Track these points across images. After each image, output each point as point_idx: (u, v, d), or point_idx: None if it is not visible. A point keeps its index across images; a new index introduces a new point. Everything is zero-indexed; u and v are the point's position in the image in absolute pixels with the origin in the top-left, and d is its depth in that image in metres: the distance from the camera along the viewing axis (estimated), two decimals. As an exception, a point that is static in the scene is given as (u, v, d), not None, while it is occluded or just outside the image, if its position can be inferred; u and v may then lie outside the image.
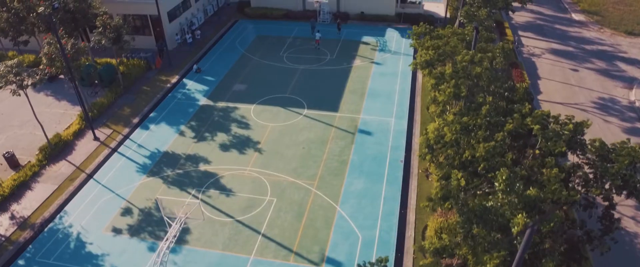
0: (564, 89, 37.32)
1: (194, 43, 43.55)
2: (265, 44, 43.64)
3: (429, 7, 49.39)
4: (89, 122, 31.46)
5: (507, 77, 21.86)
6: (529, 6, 46.61)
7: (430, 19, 46.49)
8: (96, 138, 31.51)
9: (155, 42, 42.31)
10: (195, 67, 39.13)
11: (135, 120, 33.38)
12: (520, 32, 46.52)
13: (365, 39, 44.10)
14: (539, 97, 36.59)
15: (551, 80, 39.02)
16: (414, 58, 38.79)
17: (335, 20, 44.26)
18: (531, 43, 44.76)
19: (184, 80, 38.31)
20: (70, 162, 29.62)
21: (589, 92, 36.34)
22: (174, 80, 38.33)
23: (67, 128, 32.53)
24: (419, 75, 37.63)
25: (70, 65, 29.68)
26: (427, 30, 28.78)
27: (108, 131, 32.43)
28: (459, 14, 35.00)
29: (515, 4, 36.54)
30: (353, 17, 47.84)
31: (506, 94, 20.62)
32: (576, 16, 50.78)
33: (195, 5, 46.97)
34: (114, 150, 30.56)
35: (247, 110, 33.94)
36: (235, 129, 31.97)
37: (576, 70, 40.11)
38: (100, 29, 33.47)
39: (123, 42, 34.40)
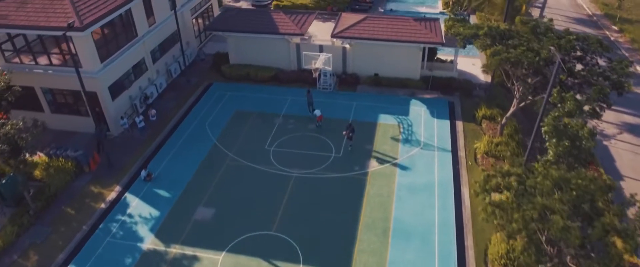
0: (661, 197, 26.21)
1: (146, 128, 31.50)
2: (246, 128, 31.81)
3: (462, 65, 37.63)
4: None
5: None
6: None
7: (467, 85, 35.01)
8: (-30, 325, 20.05)
9: (95, 125, 30.46)
10: (143, 173, 27.37)
11: (41, 283, 21.85)
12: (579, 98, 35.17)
13: (382, 118, 32.22)
14: (629, 211, 25.43)
15: (639, 180, 28.08)
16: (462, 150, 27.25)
17: (348, 134, 29.22)
18: (598, 116, 33.62)
19: (127, 195, 26.53)
20: None
21: (701, 206, 25.27)
22: (111, 195, 26.56)
23: None
24: (464, 190, 26.13)
25: None
26: (503, 174, 17.38)
27: (-6, 306, 20.92)
28: (538, 116, 23.22)
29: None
30: (364, 80, 36.18)
31: None
32: (643, 68, 39.76)
33: (153, 68, 35.03)
34: None
35: (213, 263, 22.26)
36: (190, 309, 20.42)
37: (670, 163, 29.28)
38: (-19, 143, 21.92)
39: (19, 162, 22.89)
